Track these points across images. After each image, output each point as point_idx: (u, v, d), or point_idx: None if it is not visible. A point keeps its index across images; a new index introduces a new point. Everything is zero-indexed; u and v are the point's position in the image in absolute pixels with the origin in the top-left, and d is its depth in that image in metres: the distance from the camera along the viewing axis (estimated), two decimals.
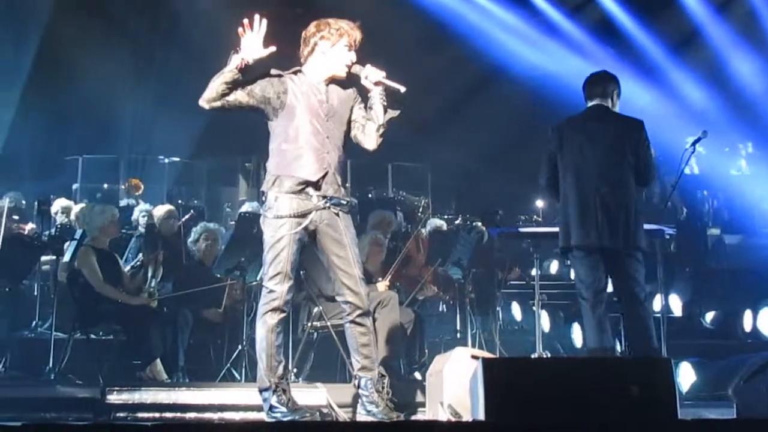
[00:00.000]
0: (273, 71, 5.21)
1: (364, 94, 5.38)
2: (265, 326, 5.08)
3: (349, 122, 5.33)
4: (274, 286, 5.07)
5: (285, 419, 4.99)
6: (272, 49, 5.02)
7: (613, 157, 6.38)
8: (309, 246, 5.23)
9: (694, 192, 11.52)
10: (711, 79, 13.88)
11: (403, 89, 5.22)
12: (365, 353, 5.22)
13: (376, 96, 5.26)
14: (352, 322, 5.20)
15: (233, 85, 4.99)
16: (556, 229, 6.67)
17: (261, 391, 5.13)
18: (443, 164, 15.23)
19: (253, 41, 5.00)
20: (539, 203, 13.97)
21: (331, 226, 5.16)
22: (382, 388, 5.21)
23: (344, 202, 5.24)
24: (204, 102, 5.03)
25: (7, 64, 13.58)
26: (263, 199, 5.21)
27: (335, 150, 5.21)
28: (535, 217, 13.61)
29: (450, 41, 14.66)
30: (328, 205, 5.14)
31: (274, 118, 5.19)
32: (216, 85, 4.97)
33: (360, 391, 5.22)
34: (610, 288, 6.56)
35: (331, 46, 5.25)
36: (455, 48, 14.69)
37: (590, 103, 6.63)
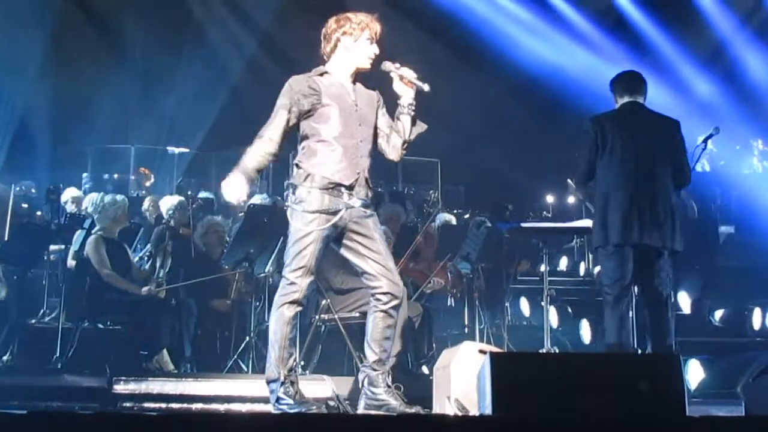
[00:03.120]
0: (298, 78, 5.19)
1: (386, 95, 5.35)
2: (281, 318, 5.06)
3: (376, 128, 5.32)
4: (296, 278, 5.04)
5: (291, 411, 4.96)
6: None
7: (656, 156, 6.38)
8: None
9: (705, 189, 11.48)
10: (722, 75, 13.84)
11: (427, 88, 5.17)
12: (386, 347, 5.19)
13: (405, 107, 5.24)
14: (385, 312, 5.16)
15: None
16: (566, 225, 6.66)
17: (269, 382, 5.10)
18: (453, 159, 15.19)
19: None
20: (549, 199, 13.93)
21: (359, 224, 5.15)
22: (391, 383, 5.19)
23: (371, 203, 5.25)
24: None
25: (18, 53, 13.60)
26: (291, 192, 5.16)
27: (367, 155, 5.22)
28: (544, 213, 13.58)
29: (461, 36, 14.63)
30: (358, 204, 5.14)
31: (307, 119, 5.16)
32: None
33: (366, 382, 5.17)
34: None
35: (354, 41, 5.22)
36: (466, 43, 14.66)
37: (625, 100, 6.57)
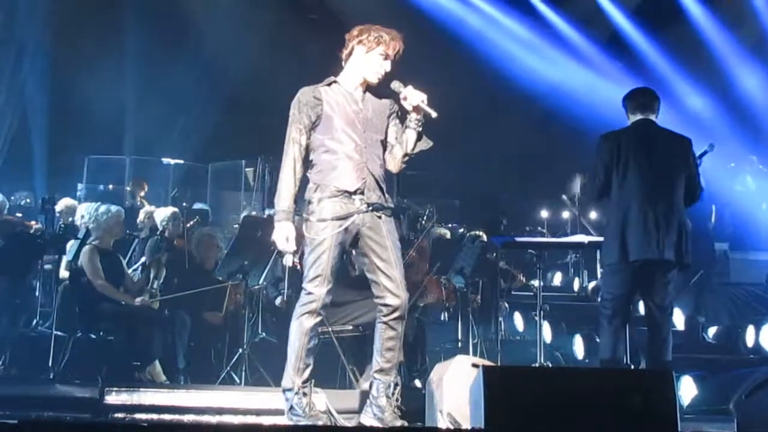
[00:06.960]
0: (305, 89, 5.22)
1: (401, 108, 5.32)
2: (300, 328, 5.09)
3: (386, 133, 5.31)
4: (314, 288, 5.06)
5: (300, 423, 5.03)
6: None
7: (669, 173, 6.39)
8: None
9: (700, 206, 11.47)
10: (717, 92, 13.86)
11: (434, 114, 5.16)
12: (388, 357, 5.23)
13: (413, 121, 5.22)
14: (386, 324, 5.20)
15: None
16: (560, 240, 6.64)
17: (284, 390, 5.16)
18: (449, 173, 15.20)
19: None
20: (544, 214, 13.93)
21: (372, 230, 5.16)
22: (392, 394, 5.22)
23: (386, 206, 5.22)
24: None
25: (12, 63, 13.63)
26: (306, 205, 5.18)
27: (375, 159, 5.20)
28: (539, 228, 13.57)
29: (460, 53, 14.64)
30: (370, 208, 5.13)
31: (314, 131, 5.18)
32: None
33: (371, 392, 5.24)
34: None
35: (366, 52, 5.20)
36: (465, 59, 14.67)
37: (637, 117, 6.56)
